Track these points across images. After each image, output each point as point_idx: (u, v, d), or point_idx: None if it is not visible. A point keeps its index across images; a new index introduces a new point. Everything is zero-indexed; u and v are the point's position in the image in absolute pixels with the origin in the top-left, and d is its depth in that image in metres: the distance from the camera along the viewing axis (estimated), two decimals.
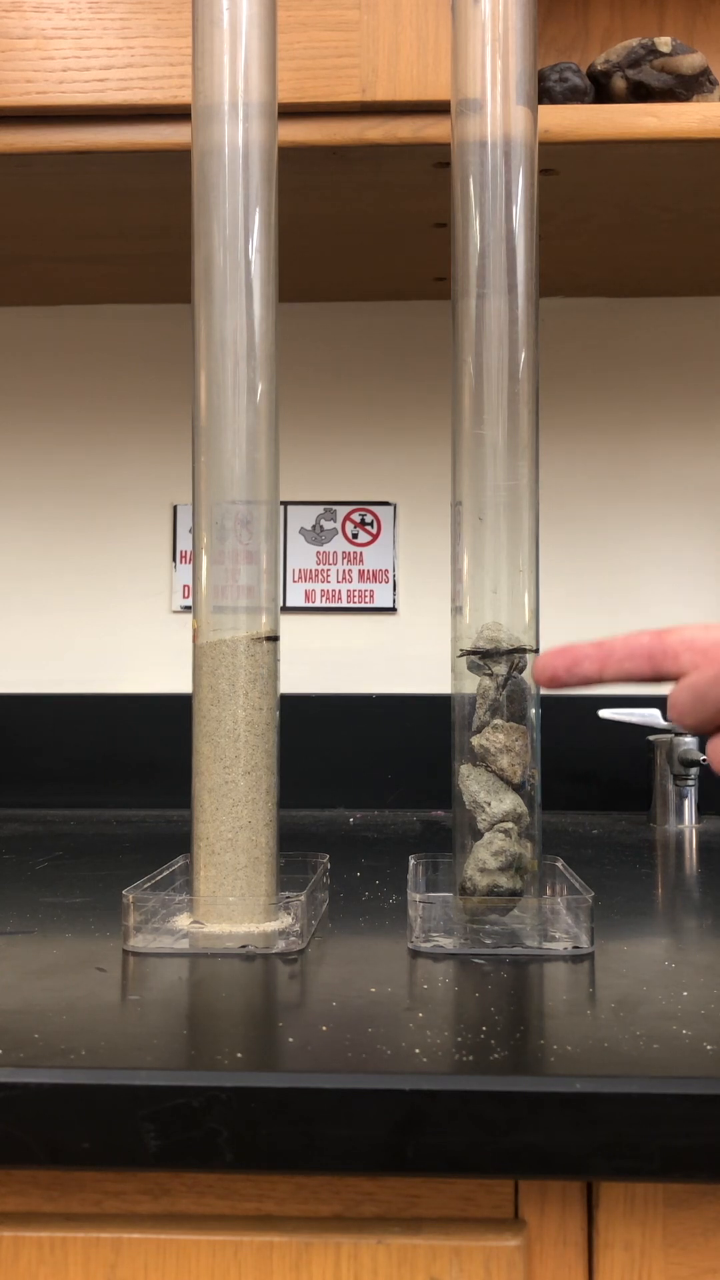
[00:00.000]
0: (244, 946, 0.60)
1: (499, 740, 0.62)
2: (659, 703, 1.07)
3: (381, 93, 0.79)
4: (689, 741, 1.04)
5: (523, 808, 0.62)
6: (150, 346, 1.19)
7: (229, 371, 0.63)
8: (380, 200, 0.91)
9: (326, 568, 1.16)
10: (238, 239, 0.63)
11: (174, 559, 1.18)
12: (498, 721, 0.62)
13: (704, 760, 1.03)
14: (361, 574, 1.16)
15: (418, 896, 0.61)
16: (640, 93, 0.84)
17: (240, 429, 0.63)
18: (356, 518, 1.17)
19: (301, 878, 0.68)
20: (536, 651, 0.63)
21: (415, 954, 0.59)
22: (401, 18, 0.79)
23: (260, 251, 0.64)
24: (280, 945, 0.60)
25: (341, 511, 1.17)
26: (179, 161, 0.75)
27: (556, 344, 1.16)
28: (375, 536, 1.16)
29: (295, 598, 1.16)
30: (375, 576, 1.16)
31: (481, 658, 0.62)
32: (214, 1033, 0.48)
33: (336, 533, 1.17)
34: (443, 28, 0.78)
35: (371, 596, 1.16)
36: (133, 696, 1.15)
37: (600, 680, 0.51)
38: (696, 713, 0.49)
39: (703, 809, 1.05)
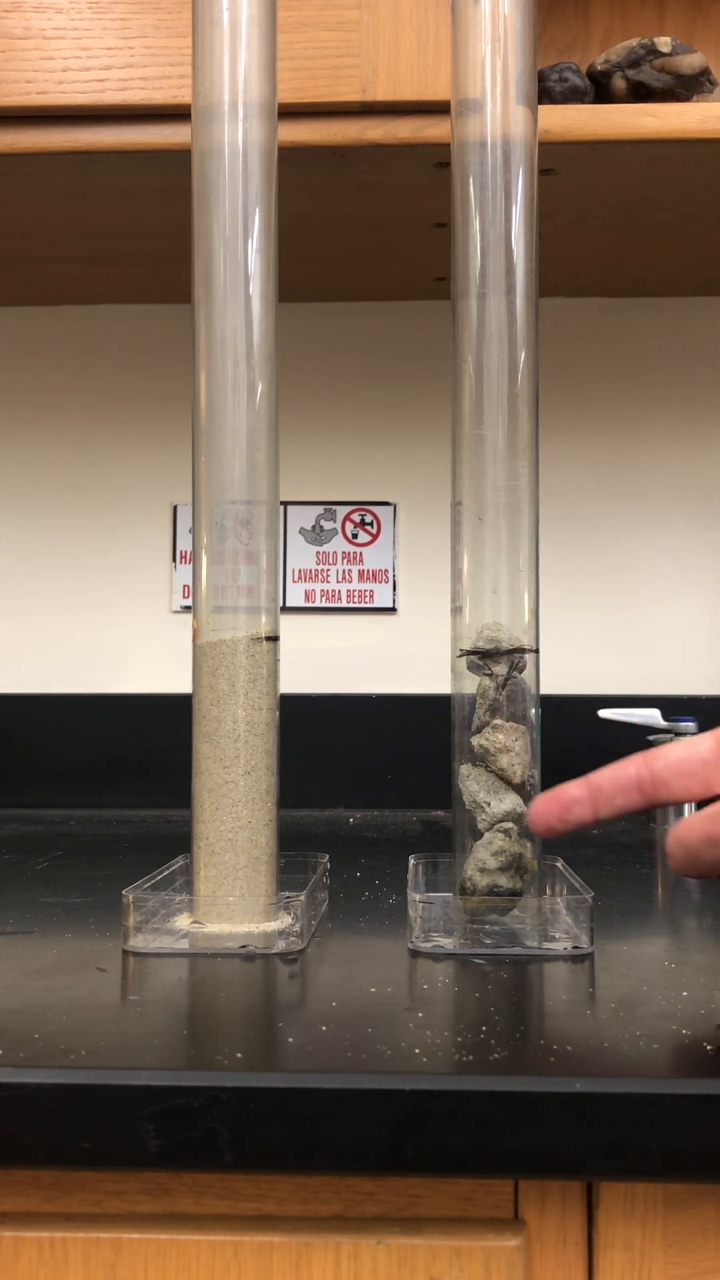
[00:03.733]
0: (244, 946, 0.60)
1: (499, 740, 0.62)
2: (659, 703, 1.07)
3: (381, 93, 0.79)
4: None
5: (523, 808, 0.62)
6: (150, 346, 1.19)
7: (229, 371, 0.63)
8: (380, 200, 0.91)
9: (326, 568, 1.16)
10: (237, 239, 0.63)
11: (174, 559, 1.18)
12: (498, 721, 0.62)
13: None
14: (361, 574, 1.16)
15: (418, 896, 0.61)
16: (640, 93, 0.84)
17: (240, 429, 0.63)
18: (356, 518, 1.17)
19: (301, 878, 0.68)
20: (536, 651, 0.63)
21: (415, 954, 0.59)
22: (401, 18, 0.79)
23: (260, 251, 0.64)
24: (280, 945, 0.60)
25: (341, 511, 1.17)
26: (179, 161, 0.75)
27: (556, 344, 1.16)
28: (375, 536, 1.16)
29: (295, 598, 1.16)
30: (375, 576, 1.16)
31: (481, 658, 0.62)
32: (214, 1033, 0.48)
33: (336, 533, 1.17)
34: (443, 28, 0.78)
35: (371, 596, 1.16)
36: (133, 696, 1.15)
37: (596, 821, 0.50)
38: (695, 866, 0.49)
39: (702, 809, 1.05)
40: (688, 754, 0.49)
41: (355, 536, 1.17)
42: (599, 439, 1.17)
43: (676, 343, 1.17)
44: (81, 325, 1.19)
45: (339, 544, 1.17)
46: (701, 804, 0.52)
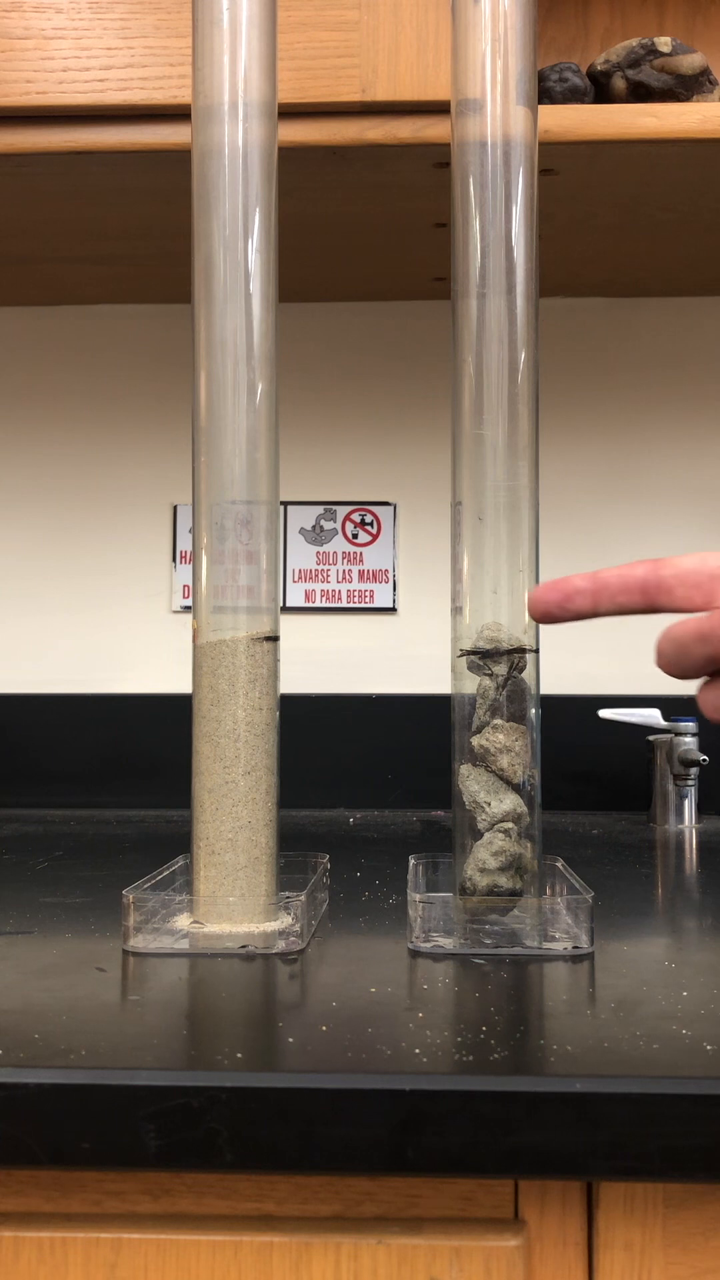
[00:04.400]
0: (244, 946, 0.60)
1: (499, 740, 0.62)
2: (659, 703, 1.07)
3: (381, 93, 0.79)
4: (689, 741, 1.04)
5: (523, 808, 0.62)
6: (150, 346, 1.19)
7: (229, 371, 0.63)
8: (380, 200, 0.91)
9: (326, 568, 1.16)
10: (237, 239, 0.63)
11: (174, 559, 1.18)
12: (498, 721, 0.62)
13: (697, 760, 1.03)
14: (361, 574, 1.16)
15: (418, 896, 0.61)
16: (640, 93, 0.84)
17: (240, 429, 0.63)
18: (356, 518, 1.17)
19: (301, 878, 0.68)
20: (537, 651, 0.63)
21: (415, 954, 0.59)
22: (401, 18, 0.79)
23: (260, 251, 0.64)
24: (280, 945, 0.60)
25: (341, 511, 1.17)
26: (179, 161, 0.75)
27: (556, 344, 1.16)
28: (375, 536, 1.16)
29: (295, 598, 1.16)
30: (375, 576, 1.16)
31: (481, 658, 0.62)
32: (214, 1033, 0.48)
33: (336, 533, 1.17)
34: (443, 28, 0.78)
35: (371, 596, 1.16)
36: (133, 696, 1.15)
37: (594, 614, 0.50)
38: (680, 664, 0.49)
39: (703, 809, 1.05)
40: (698, 566, 0.49)
41: (355, 536, 1.17)
42: (599, 439, 1.17)
43: (677, 343, 1.17)
44: (81, 325, 1.19)
45: (339, 544, 1.17)
46: None
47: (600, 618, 0.50)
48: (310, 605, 1.16)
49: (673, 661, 0.49)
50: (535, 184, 0.65)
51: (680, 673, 0.49)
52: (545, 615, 0.51)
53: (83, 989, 0.53)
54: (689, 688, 1.19)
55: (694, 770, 1.04)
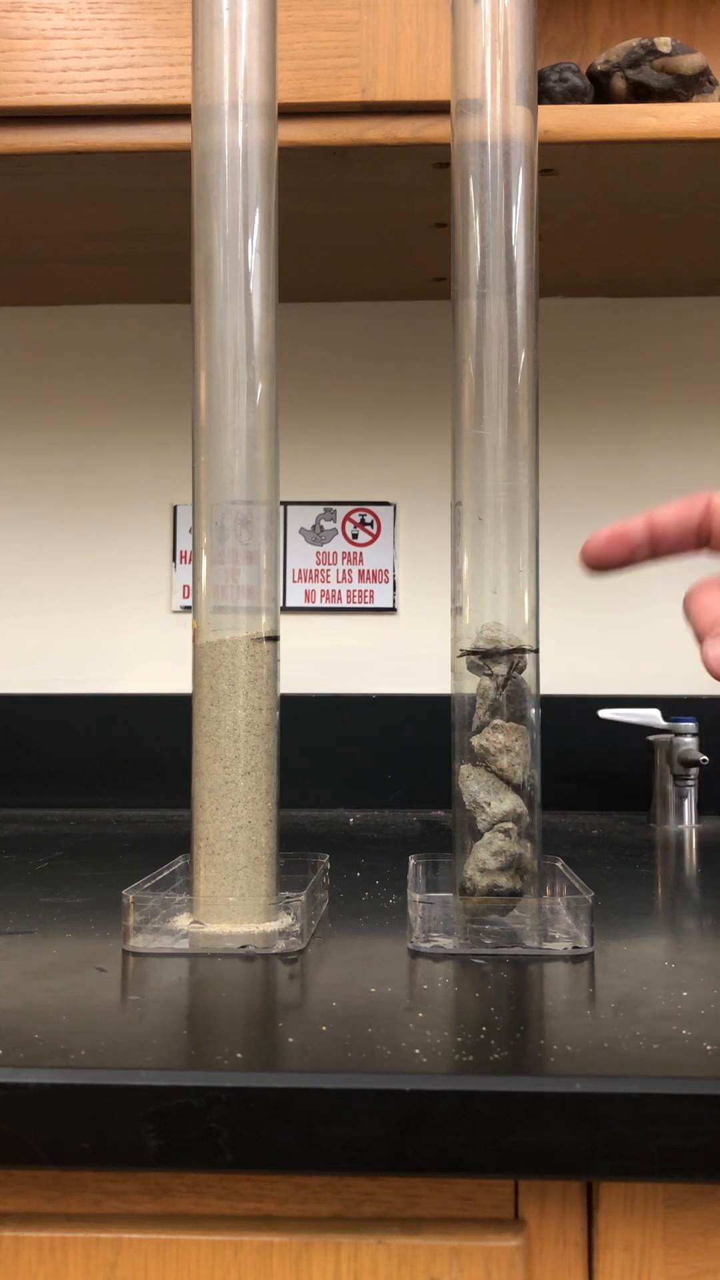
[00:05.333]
0: (244, 946, 0.60)
1: (499, 740, 0.62)
2: (659, 703, 1.07)
3: (381, 93, 0.79)
4: (689, 741, 1.04)
5: (523, 808, 0.62)
6: (150, 346, 1.19)
7: (229, 371, 0.63)
8: (380, 200, 0.91)
9: (326, 568, 1.16)
10: (237, 239, 0.63)
11: (174, 559, 1.18)
12: (498, 721, 0.62)
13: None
14: (361, 574, 1.16)
15: (418, 896, 0.61)
16: (640, 93, 0.84)
17: (240, 429, 0.63)
18: (356, 518, 1.17)
19: (301, 878, 0.68)
20: (536, 651, 0.63)
21: (415, 954, 0.59)
22: (401, 18, 0.79)
23: (260, 251, 0.64)
24: (280, 945, 0.60)
25: (341, 511, 1.17)
26: (179, 161, 0.75)
27: (556, 344, 1.16)
28: (375, 536, 1.16)
29: (295, 598, 1.16)
30: (375, 576, 1.16)
31: (481, 658, 0.62)
32: (214, 1033, 0.48)
33: (336, 533, 1.17)
34: (443, 28, 0.78)
35: (371, 596, 1.16)
36: (133, 696, 1.15)
37: (653, 561, 0.48)
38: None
39: (703, 809, 1.05)
40: None
41: (355, 536, 1.17)
42: (599, 439, 1.17)
43: (677, 343, 1.17)
44: (81, 325, 1.19)
45: (339, 544, 1.17)
46: None
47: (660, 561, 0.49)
48: (310, 605, 1.16)
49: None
50: (535, 184, 0.65)
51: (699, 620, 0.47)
52: (606, 567, 0.49)
53: (83, 989, 0.53)
54: (689, 688, 1.19)
55: (694, 770, 1.03)
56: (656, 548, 0.48)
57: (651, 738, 1.06)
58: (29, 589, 1.19)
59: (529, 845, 0.62)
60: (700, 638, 0.47)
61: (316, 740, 1.11)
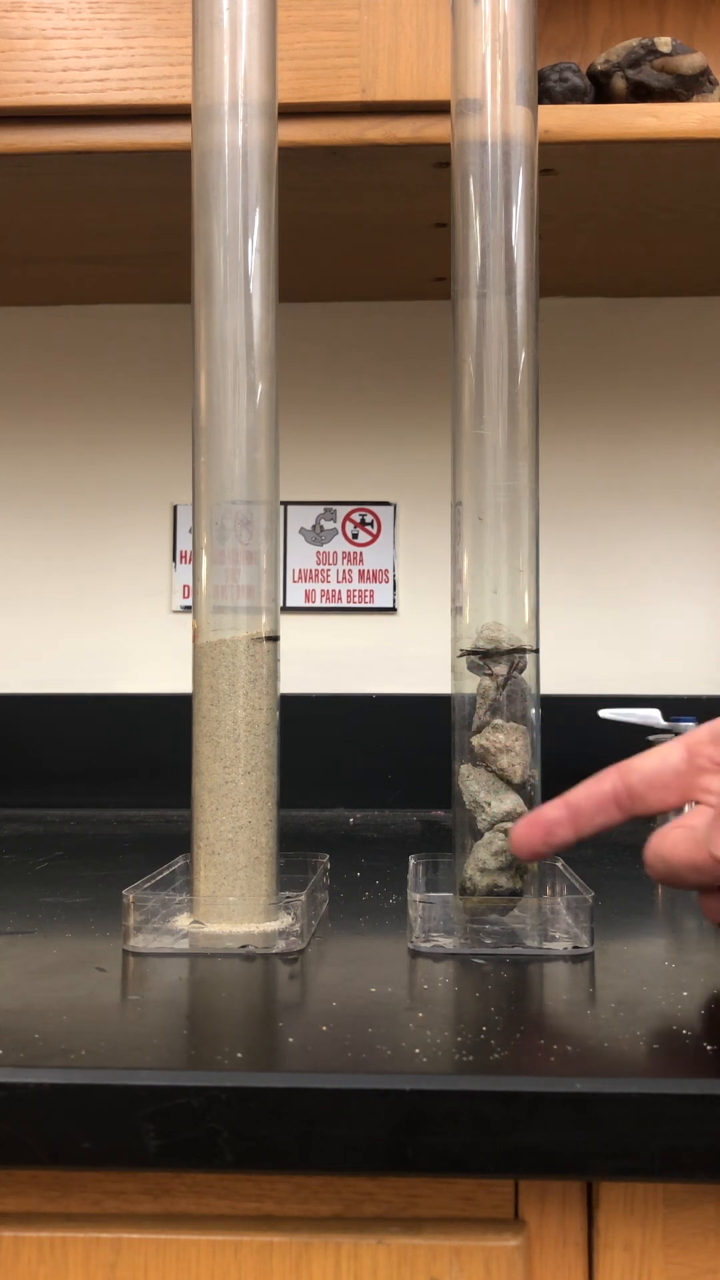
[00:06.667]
0: (244, 946, 0.60)
1: (499, 740, 0.62)
2: (659, 703, 1.07)
3: (381, 93, 0.79)
4: None
5: (523, 808, 0.62)
6: (150, 346, 1.19)
7: (229, 371, 0.63)
8: (380, 200, 0.91)
9: (326, 568, 1.16)
10: (237, 239, 0.63)
11: (174, 559, 1.18)
12: (498, 721, 0.62)
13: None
14: (361, 574, 1.16)
15: (418, 896, 0.61)
16: (640, 93, 0.84)
17: (240, 429, 0.63)
18: (356, 518, 1.17)
19: (301, 878, 0.68)
20: (536, 651, 0.63)
21: (415, 954, 0.59)
22: (401, 18, 0.79)
23: (260, 251, 0.64)
24: (280, 945, 0.60)
25: (341, 511, 1.17)
26: (179, 161, 0.75)
27: (556, 344, 1.16)
28: (375, 536, 1.16)
29: (295, 598, 1.16)
30: (375, 576, 1.16)
31: (481, 658, 0.62)
32: (214, 1033, 0.48)
33: (336, 533, 1.17)
34: (443, 28, 0.78)
35: (371, 596, 1.16)
36: (133, 696, 1.15)
37: (578, 840, 0.51)
38: (672, 881, 0.49)
39: None
40: (660, 766, 0.49)
41: (355, 536, 1.17)
42: (599, 439, 1.17)
43: (676, 343, 1.17)
44: (81, 325, 1.19)
45: (339, 544, 1.17)
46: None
47: (585, 839, 0.51)
48: (310, 605, 1.16)
49: (664, 878, 0.49)
50: (535, 184, 0.65)
51: (673, 886, 0.49)
52: (533, 854, 0.52)
53: (83, 989, 0.53)
54: (690, 688, 1.19)
55: None
56: (577, 823, 0.50)
57: (651, 738, 1.06)
58: (29, 589, 1.19)
59: None
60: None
61: (316, 740, 1.11)
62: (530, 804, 0.62)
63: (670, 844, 0.48)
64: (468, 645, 0.63)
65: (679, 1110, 0.42)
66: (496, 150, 0.63)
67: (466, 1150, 0.42)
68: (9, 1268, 0.46)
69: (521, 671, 0.63)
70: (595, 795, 0.49)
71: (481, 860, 0.61)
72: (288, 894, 0.65)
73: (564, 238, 0.99)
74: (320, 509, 1.17)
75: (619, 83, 0.84)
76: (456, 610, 0.64)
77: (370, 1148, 0.42)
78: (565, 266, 1.07)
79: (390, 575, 1.16)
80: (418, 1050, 0.45)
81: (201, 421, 0.64)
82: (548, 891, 0.65)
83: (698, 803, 0.51)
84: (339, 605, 1.16)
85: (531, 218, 0.64)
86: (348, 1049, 0.45)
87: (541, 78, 0.83)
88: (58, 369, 1.19)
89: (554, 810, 0.50)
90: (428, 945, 0.60)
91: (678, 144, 0.80)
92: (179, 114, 0.79)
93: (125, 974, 0.56)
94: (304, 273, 1.08)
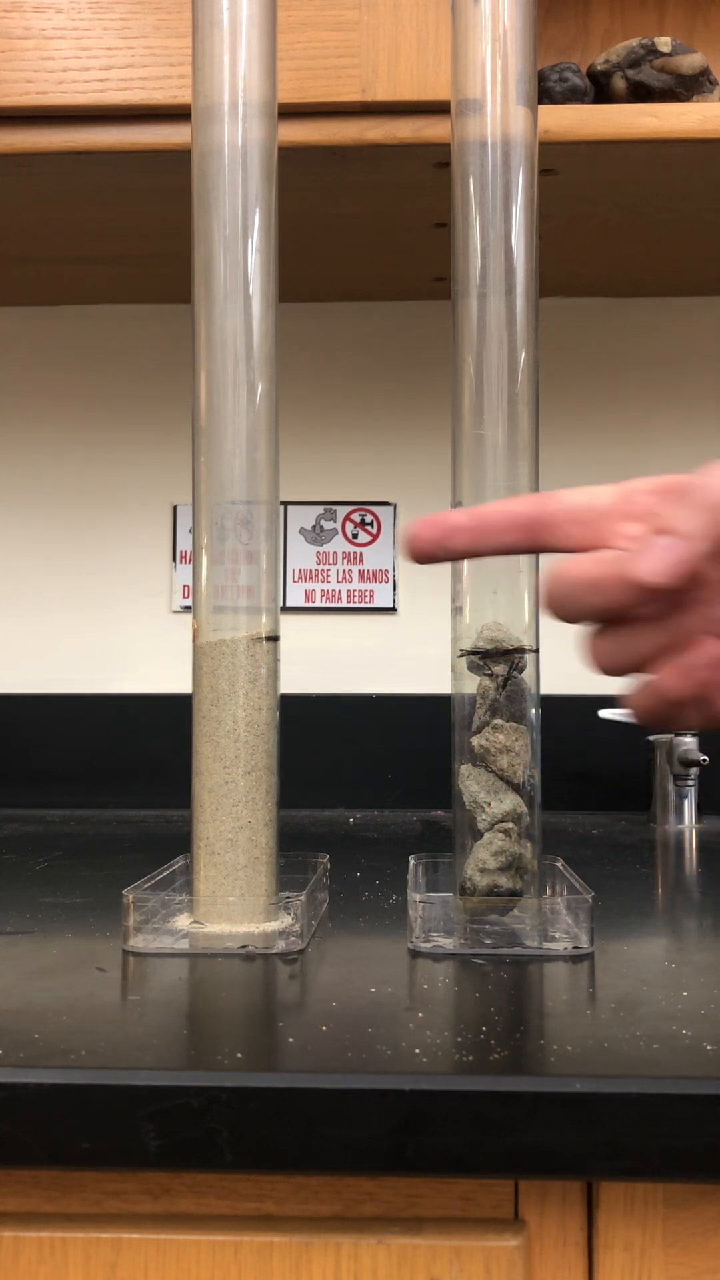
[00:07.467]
0: (244, 946, 0.60)
1: (499, 740, 0.62)
2: None
3: (381, 93, 0.79)
4: (689, 741, 1.04)
5: (523, 808, 0.62)
6: (150, 346, 1.18)
7: (229, 371, 0.63)
8: (380, 200, 0.91)
9: (326, 568, 1.16)
10: (237, 239, 0.63)
11: (174, 559, 1.18)
12: (498, 721, 0.62)
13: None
14: (361, 574, 1.16)
15: (418, 896, 0.61)
16: (640, 93, 0.84)
17: (240, 429, 0.63)
18: (356, 518, 1.17)
19: (301, 878, 0.67)
20: (537, 651, 0.63)
21: (415, 954, 0.59)
22: (401, 18, 0.79)
23: (260, 251, 0.64)
24: (280, 945, 0.60)
25: (341, 511, 1.17)
26: (179, 161, 0.75)
27: (556, 344, 1.15)
28: (375, 536, 1.16)
29: (295, 598, 1.16)
30: (375, 576, 1.16)
31: (481, 658, 0.62)
32: (214, 1033, 0.48)
33: (336, 533, 1.17)
34: (443, 28, 0.78)
35: (371, 596, 1.16)
36: (133, 696, 1.15)
37: (475, 553, 0.46)
38: (567, 608, 0.43)
39: (703, 809, 1.05)
40: (586, 502, 0.45)
41: (355, 536, 1.17)
42: (599, 439, 1.17)
43: (677, 343, 1.17)
44: (81, 325, 1.19)
45: (339, 544, 1.17)
46: None
47: (482, 557, 0.47)
48: (310, 605, 1.16)
49: (561, 604, 0.45)
50: (535, 184, 0.65)
51: (568, 618, 0.45)
52: (422, 554, 0.46)
53: (83, 989, 0.53)
54: None
55: (694, 770, 1.03)
56: (480, 534, 0.45)
57: (652, 738, 1.06)
58: (29, 589, 1.19)
59: (529, 845, 0.62)
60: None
61: (316, 740, 1.11)
62: (530, 804, 0.62)
63: (571, 564, 0.44)
64: (468, 645, 0.63)
65: (679, 1110, 0.42)
66: (496, 150, 0.63)
67: (466, 1150, 0.42)
68: (9, 1268, 0.46)
69: (521, 671, 0.63)
70: (510, 512, 0.45)
71: (481, 860, 0.61)
72: (288, 894, 0.65)
73: (564, 238, 0.99)
74: (320, 509, 1.17)
75: (619, 83, 0.84)
76: (456, 610, 0.64)
77: (370, 1148, 0.42)
78: (565, 266, 1.07)
79: (390, 575, 1.16)
80: (418, 1050, 0.45)
81: (201, 421, 0.64)
82: (548, 891, 0.65)
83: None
84: (339, 605, 1.16)
85: (531, 218, 0.64)
86: (348, 1049, 0.45)
87: (541, 78, 0.83)
88: (58, 369, 1.19)
89: (460, 516, 0.45)
90: (428, 945, 0.60)
91: (678, 144, 0.80)
92: (179, 114, 0.79)
93: (125, 974, 0.56)
94: (304, 273, 1.08)
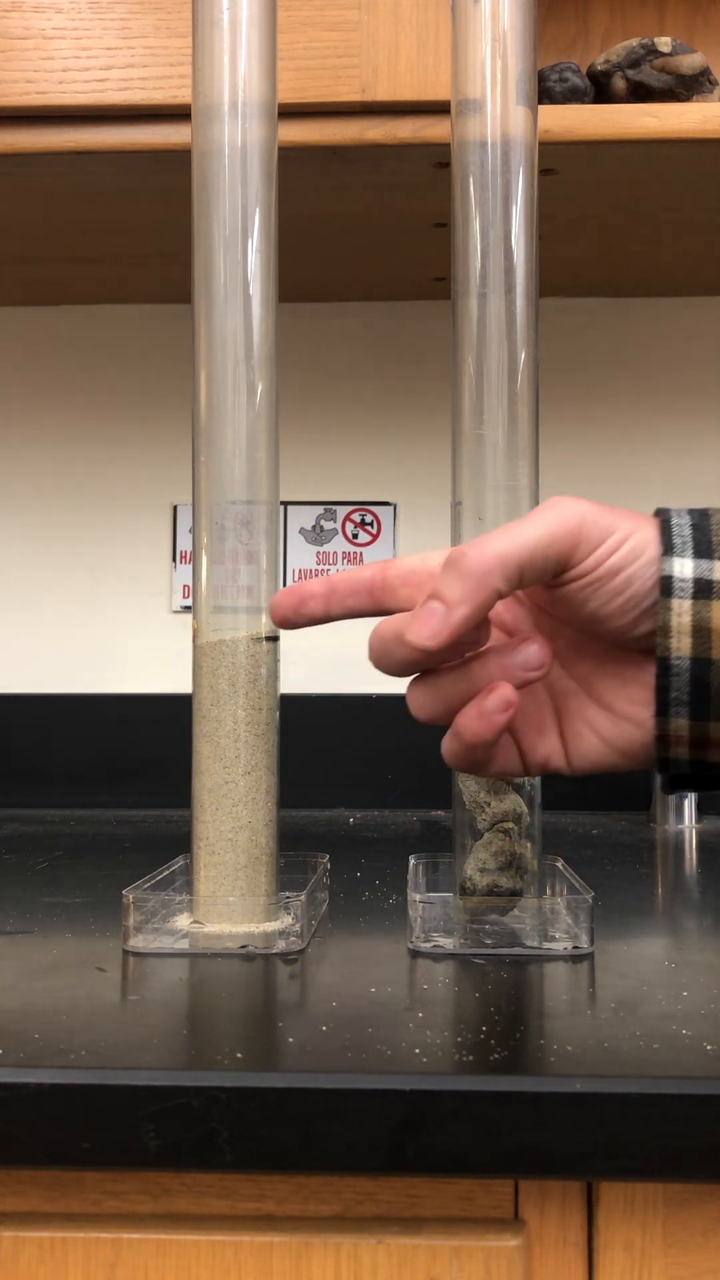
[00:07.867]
0: (244, 946, 0.60)
1: None
2: None
3: (381, 93, 0.79)
4: None
5: (523, 807, 0.62)
6: (150, 346, 1.19)
7: (229, 371, 0.63)
8: (380, 200, 0.91)
9: (326, 568, 1.16)
10: (237, 239, 0.63)
11: (174, 559, 1.18)
12: None
13: None
14: None
15: (418, 896, 0.61)
16: (640, 93, 0.84)
17: (240, 429, 0.63)
18: (356, 518, 1.17)
19: (301, 878, 0.68)
20: None
21: (415, 954, 0.59)
22: (401, 18, 0.79)
23: (260, 251, 0.64)
24: (280, 945, 0.60)
25: (341, 511, 1.17)
26: (179, 161, 0.75)
27: (556, 344, 1.16)
28: (375, 536, 1.16)
29: None
30: None
31: None
32: (214, 1033, 0.48)
33: (336, 533, 1.17)
34: (443, 28, 0.78)
35: None
36: (133, 696, 1.15)
37: (327, 618, 0.50)
38: (383, 662, 0.48)
39: (703, 809, 1.05)
40: (419, 565, 0.50)
41: (355, 536, 1.17)
42: (599, 438, 1.17)
43: (677, 343, 1.17)
44: (81, 325, 1.19)
45: (339, 544, 1.17)
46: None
47: (335, 621, 0.51)
48: None
49: (376, 659, 0.49)
50: (535, 184, 0.65)
51: (386, 670, 0.49)
52: (283, 621, 0.51)
53: (83, 989, 0.53)
54: None
55: None
56: (330, 600, 0.50)
57: None
58: (29, 589, 1.19)
59: (529, 845, 0.62)
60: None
61: (316, 740, 1.11)
62: (530, 804, 0.62)
63: (384, 622, 0.48)
64: None
65: (679, 1110, 0.42)
66: (496, 150, 0.63)
67: (466, 1150, 0.42)
68: (9, 1268, 0.46)
69: None
70: (354, 579, 0.50)
71: (481, 860, 0.61)
72: (288, 894, 0.65)
73: (564, 238, 0.99)
74: (320, 509, 1.17)
75: (619, 83, 0.84)
76: None
77: (370, 1148, 0.42)
78: (565, 266, 1.07)
79: None
80: (418, 1050, 0.45)
81: (201, 421, 0.64)
82: (548, 891, 0.65)
83: None
84: None
85: (531, 218, 0.64)
86: (348, 1049, 0.45)
87: (541, 78, 0.83)
88: (58, 369, 1.19)
89: (315, 585, 0.50)
90: (428, 945, 0.60)
91: (678, 144, 0.80)
92: (179, 114, 0.79)
93: (125, 974, 0.56)
94: (304, 273, 1.08)
